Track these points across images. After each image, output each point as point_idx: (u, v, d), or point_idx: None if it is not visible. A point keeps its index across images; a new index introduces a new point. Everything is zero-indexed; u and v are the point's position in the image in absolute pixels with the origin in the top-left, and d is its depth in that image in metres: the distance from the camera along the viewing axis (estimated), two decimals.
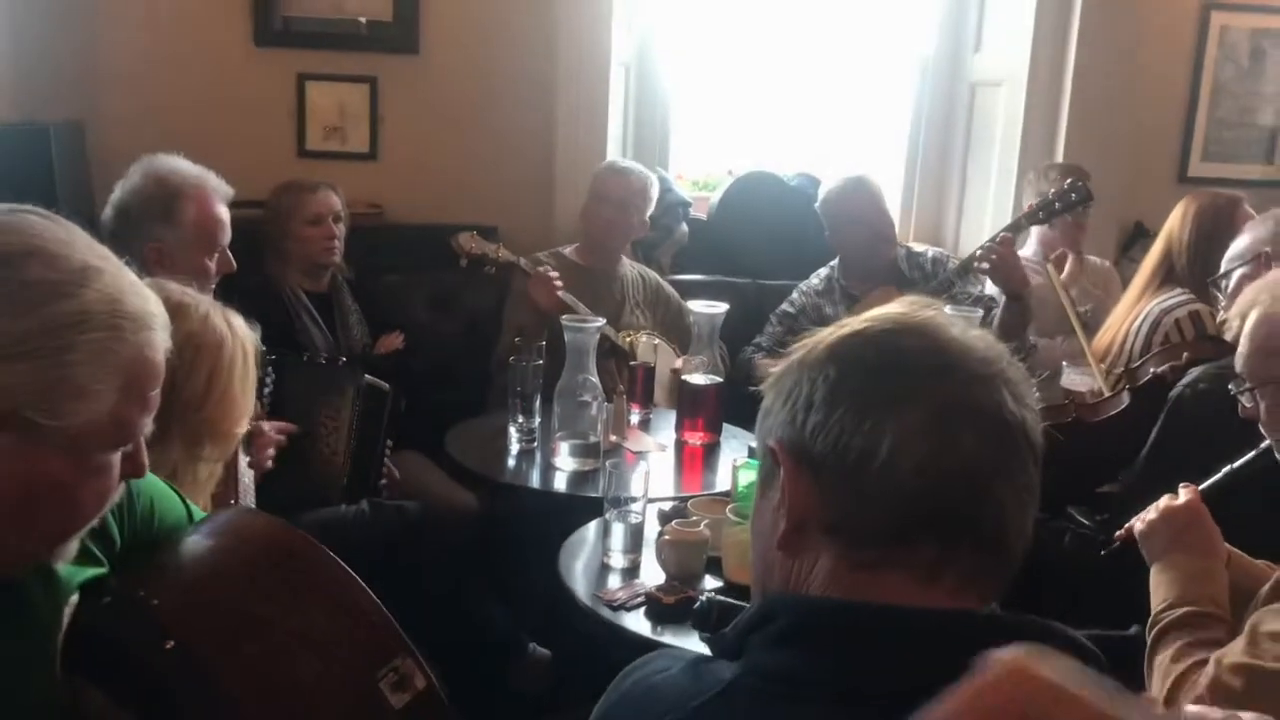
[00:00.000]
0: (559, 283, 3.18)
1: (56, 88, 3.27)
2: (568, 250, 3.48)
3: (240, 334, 1.75)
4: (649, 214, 3.49)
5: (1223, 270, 2.37)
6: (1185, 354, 2.37)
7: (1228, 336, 1.64)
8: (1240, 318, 1.51)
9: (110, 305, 0.99)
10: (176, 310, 1.61)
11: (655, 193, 3.48)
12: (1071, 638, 0.82)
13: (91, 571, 1.18)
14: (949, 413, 0.85)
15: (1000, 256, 3.12)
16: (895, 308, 0.93)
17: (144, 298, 1.03)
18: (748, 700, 0.83)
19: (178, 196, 2.39)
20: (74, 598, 1.15)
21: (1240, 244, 2.35)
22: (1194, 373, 2.15)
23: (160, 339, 1.03)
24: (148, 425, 1.04)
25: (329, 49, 3.59)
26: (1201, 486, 1.66)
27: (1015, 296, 3.16)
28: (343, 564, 1.23)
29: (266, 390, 2.26)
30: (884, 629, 0.82)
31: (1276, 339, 1.44)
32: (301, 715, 1.11)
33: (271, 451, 2.12)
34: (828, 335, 0.93)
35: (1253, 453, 1.63)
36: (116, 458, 1.03)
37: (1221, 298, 2.34)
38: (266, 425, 2.15)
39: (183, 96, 3.49)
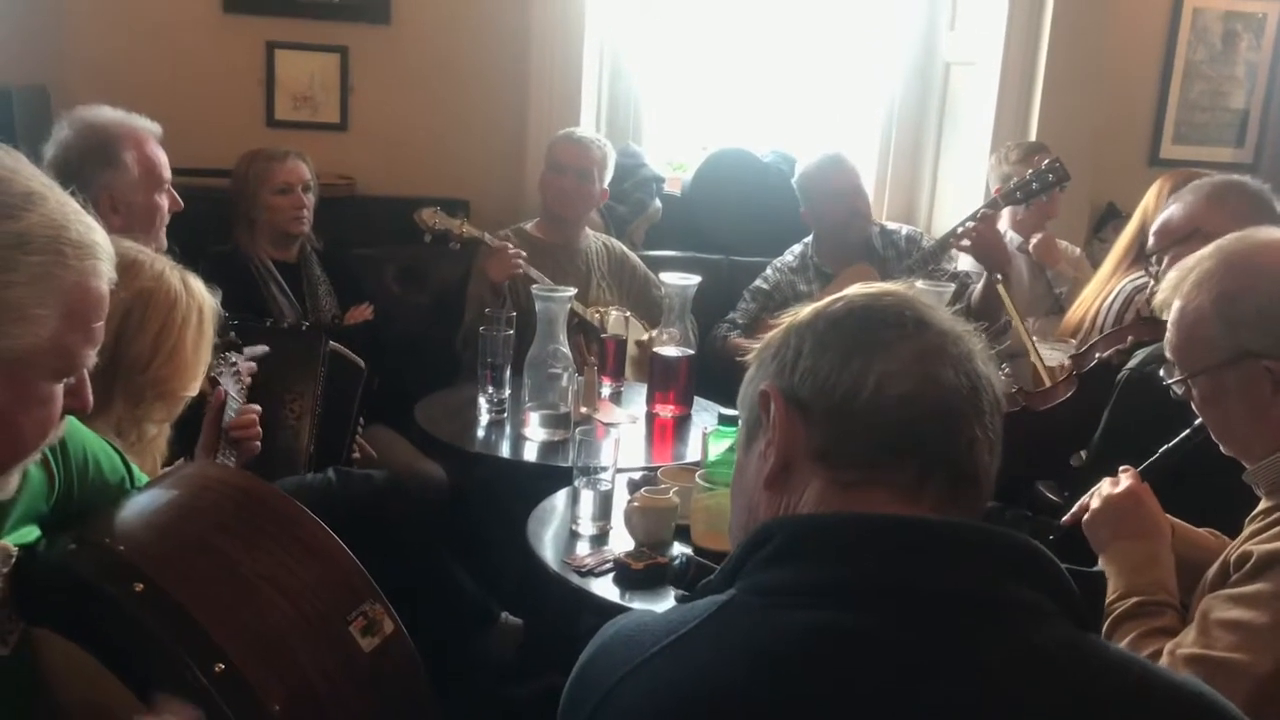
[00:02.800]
0: (518, 255, 3.14)
1: (21, 51, 3.21)
2: (529, 226, 3.43)
3: (197, 295, 1.71)
4: (608, 183, 3.43)
5: (1154, 246, 2.34)
6: (1129, 337, 2.36)
7: (1163, 317, 1.63)
8: (1165, 305, 1.51)
9: (53, 230, 0.98)
10: (130, 266, 1.59)
11: (613, 162, 3.42)
12: (1044, 553, 0.88)
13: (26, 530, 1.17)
14: (928, 356, 0.92)
15: (980, 234, 3.12)
16: (869, 286, 1.00)
17: (89, 228, 1.01)
18: (743, 614, 0.87)
19: (115, 141, 2.37)
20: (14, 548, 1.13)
21: (1171, 217, 2.30)
22: (1140, 355, 2.15)
23: (105, 270, 1.02)
24: (91, 358, 1.03)
25: (299, 17, 3.55)
26: (1140, 468, 1.66)
27: (998, 274, 3.15)
28: (308, 510, 1.22)
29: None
30: (873, 534, 0.87)
31: (1194, 330, 1.44)
32: (274, 656, 1.11)
33: (257, 431, 2.02)
34: (812, 305, 1.00)
35: (1187, 430, 1.63)
36: (59, 389, 1.02)
37: (1150, 279, 2.32)
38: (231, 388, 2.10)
39: (149, 62, 3.44)
